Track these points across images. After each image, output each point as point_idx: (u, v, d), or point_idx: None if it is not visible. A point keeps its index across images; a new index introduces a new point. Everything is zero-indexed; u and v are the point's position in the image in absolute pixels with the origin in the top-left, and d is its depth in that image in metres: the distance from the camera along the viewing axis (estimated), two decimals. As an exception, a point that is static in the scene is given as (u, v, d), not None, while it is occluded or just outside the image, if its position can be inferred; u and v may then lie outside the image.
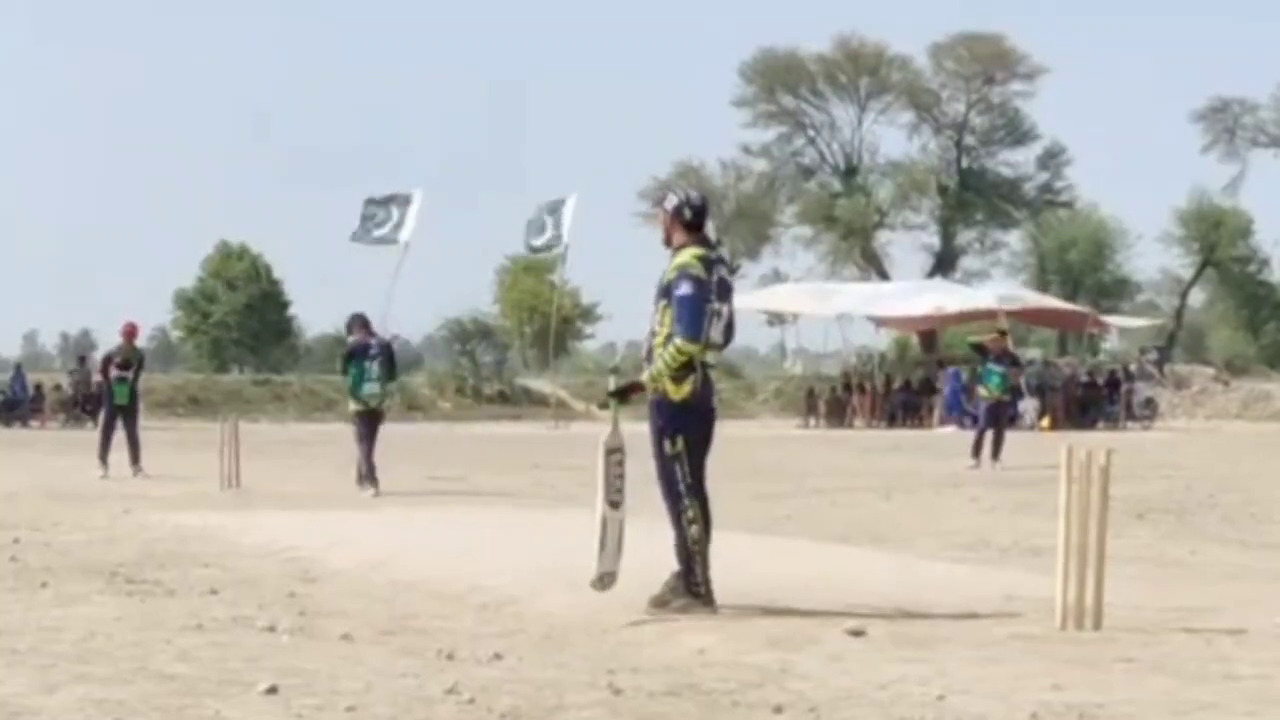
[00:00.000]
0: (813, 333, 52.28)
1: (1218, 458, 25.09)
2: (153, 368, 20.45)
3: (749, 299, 53.99)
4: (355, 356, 16.46)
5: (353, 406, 16.73)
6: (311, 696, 5.76)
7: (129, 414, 18.90)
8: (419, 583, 8.89)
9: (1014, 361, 23.64)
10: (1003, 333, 24.49)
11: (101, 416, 19.41)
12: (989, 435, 21.61)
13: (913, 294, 45.21)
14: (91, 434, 32.28)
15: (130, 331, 19.61)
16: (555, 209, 41.00)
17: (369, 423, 16.43)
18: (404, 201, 40.80)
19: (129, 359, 19.11)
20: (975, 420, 22.71)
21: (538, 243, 42.42)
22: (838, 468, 21.94)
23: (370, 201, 41.19)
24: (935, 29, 75.61)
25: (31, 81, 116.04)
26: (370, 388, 16.46)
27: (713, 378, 7.83)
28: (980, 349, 23.31)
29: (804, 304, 50.48)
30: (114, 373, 18.98)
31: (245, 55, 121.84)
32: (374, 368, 16.39)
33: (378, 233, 40.77)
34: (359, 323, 16.79)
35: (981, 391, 22.75)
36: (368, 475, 16.13)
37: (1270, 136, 62.63)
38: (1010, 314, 46.59)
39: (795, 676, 6.26)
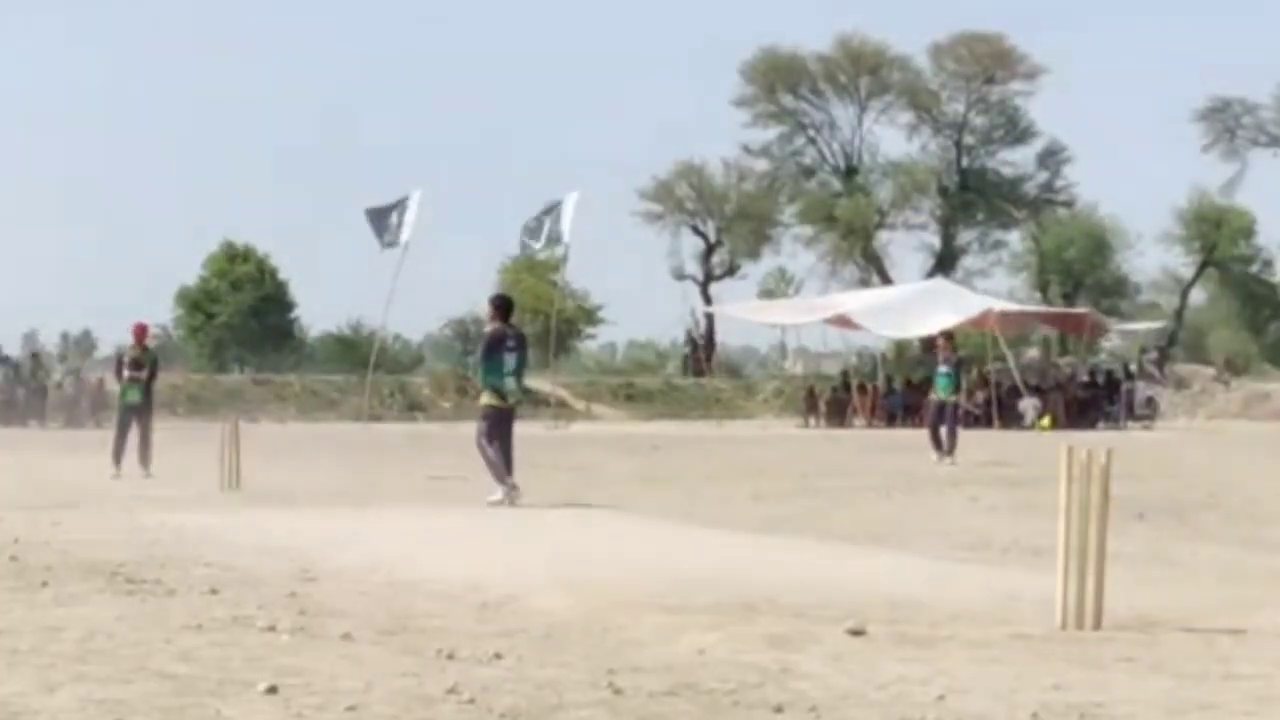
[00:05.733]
0: (813, 332, 52.27)
1: (1218, 458, 25.10)
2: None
3: (742, 311, 53.90)
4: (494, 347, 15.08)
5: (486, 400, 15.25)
6: (311, 696, 5.76)
7: (143, 414, 18.94)
8: (419, 583, 8.89)
9: (958, 364, 25.14)
10: (949, 337, 25.87)
11: (115, 417, 19.44)
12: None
13: (913, 303, 44.97)
14: (92, 434, 32.30)
15: (140, 332, 19.74)
16: (553, 210, 41.04)
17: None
18: (403, 205, 41.08)
19: (140, 360, 19.19)
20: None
21: (535, 244, 42.49)
22: (838, 467, 21.94)
23: (374, 211, 41.42)
24: (935, 29, 75.55)
25: (31, 80, 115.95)
26: (509, 381, 15.07)
27: None
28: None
29: (798, 318, 50.35)
30: (126, 373, 19.08)
31: (247, 53, 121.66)
32: (511, 360, 15.07)
33: (385, 236, 41.12)
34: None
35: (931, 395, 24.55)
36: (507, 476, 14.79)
37: (1270, 136, 62.54)
38: (1008, 314, 46.67)
39: (795, 676, 6.27)
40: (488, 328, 15.66)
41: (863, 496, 16.54)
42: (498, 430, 14.89)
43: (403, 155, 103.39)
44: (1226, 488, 17.75)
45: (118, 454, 18.56)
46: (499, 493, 14.59)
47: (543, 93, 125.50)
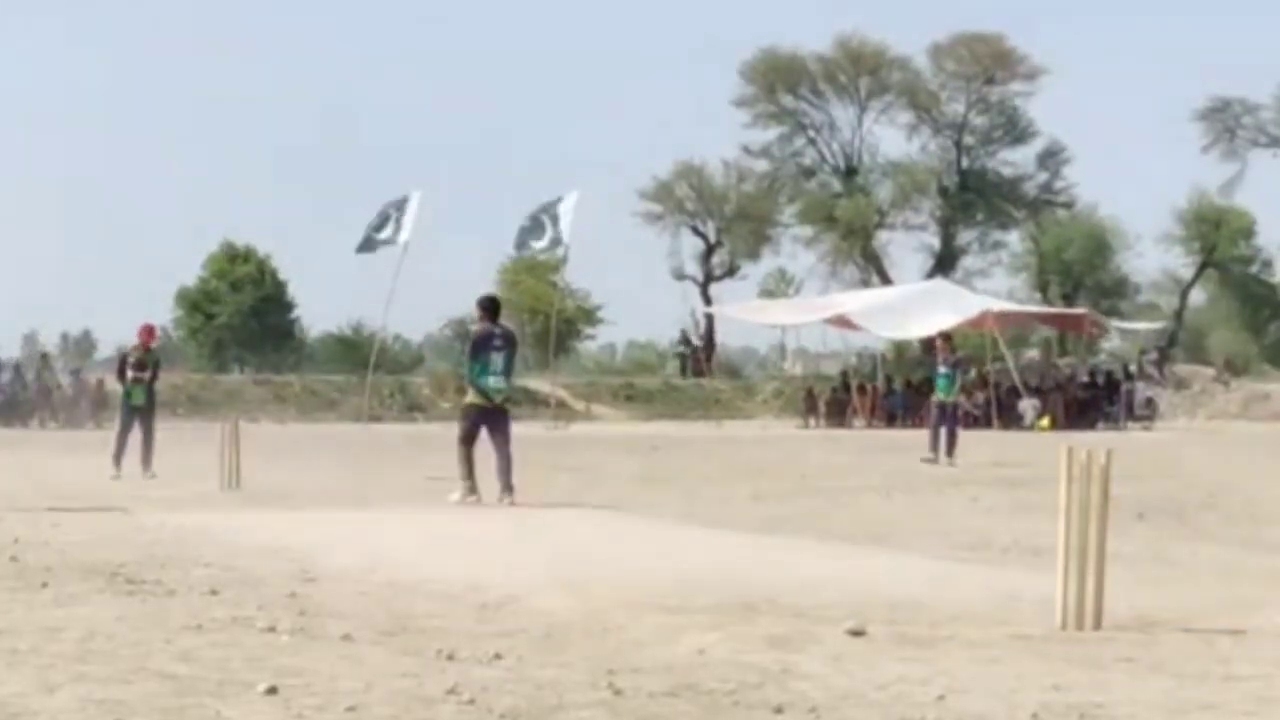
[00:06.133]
0: (812, 333, 52.26)
1: (1218, 458, 25.11)
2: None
3: (741, 311, 53.88)
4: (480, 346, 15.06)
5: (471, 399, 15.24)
6: (311, 696, 5.76)
7: (145, 415, 19.04)
8: (419, 583, 8.89)
9: (956, 365, 24.84)
10: (947, 338, 25.76)
11: (118, 418, 19.56)
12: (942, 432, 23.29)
13: (912, 303, 44.94)
14: (91, 435, 32.28)
15: (147, 334, 19.95)
16: (552, 210, 40.99)
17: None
18: (401, 205, 41.07)
19: (143, 361, 19.35)
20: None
21: (537, 245, 42.44)
22: (838, 467, 21.95)
23: (378, 214, 41.49)
24: (935, 29, 75.53)
25: (31, 80, 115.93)
26: (494, 381, 15.09)
27: None
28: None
29: (797, 318, 50.32)
30: (130, 374, 19.23)
31: (247, 53, 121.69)
32: (499, 359, 15.06)
33: (380, 235, 41.09)
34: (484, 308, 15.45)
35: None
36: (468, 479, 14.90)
37: (1270, 136, 62.51)
38: (1006, 315, 46.66)
39: (795, 676, 6.27)
40: (474, 327, 15.72)
41: (863, 497, 16.55)
42: (488, 430, 14.95)
43: (403, 155, 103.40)
44: (1226, 488, 17.76)
45: (119, 455, 18.62)
46: (457, 493, 14.74)
47: (543, 93, 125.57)
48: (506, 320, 16.32)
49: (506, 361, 15.17)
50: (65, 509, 13.59)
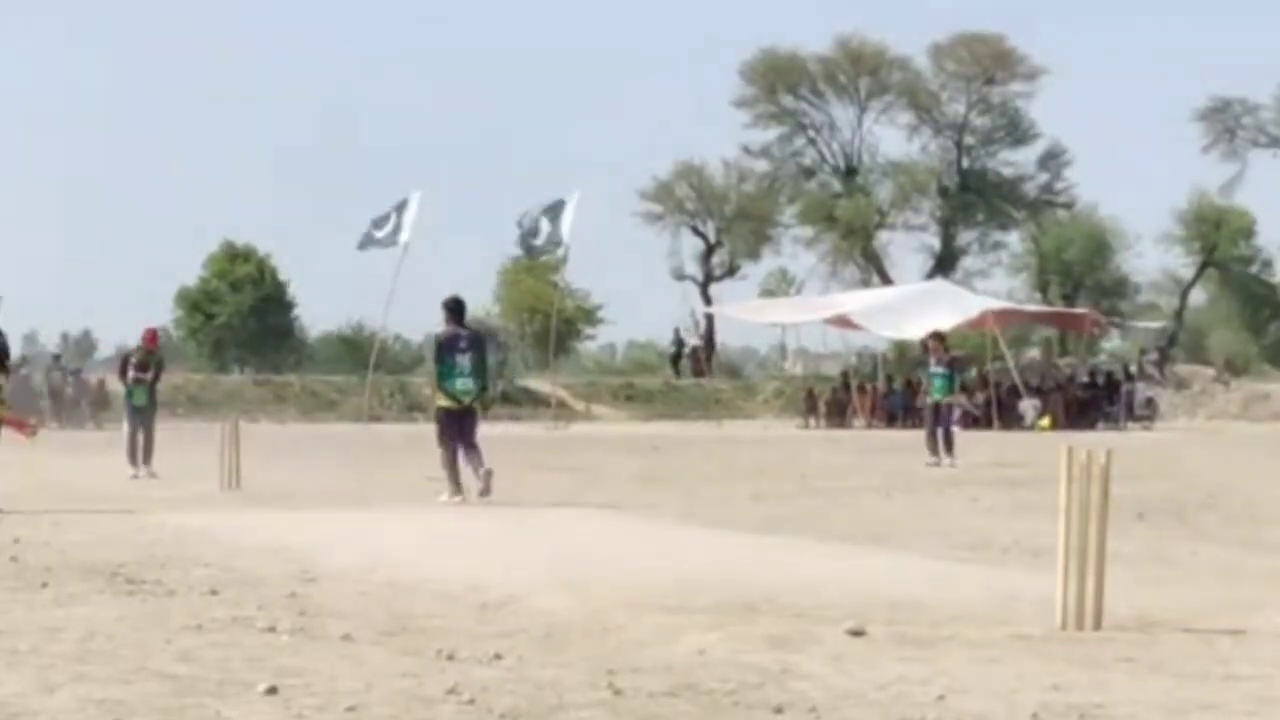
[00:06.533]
0: (813, 333, 52.19)
1: (1218, 458, 25.10)
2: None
3: (741, 311, 53.88)
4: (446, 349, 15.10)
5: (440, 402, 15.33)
6: (311, 696, 5.76)
7: (146, 415, 19.30)
8: (419, 583, 8.90)
9: (952, 364, 24.60)
10: (940, 338, 25.64)
11: (125, 419, 19.77)
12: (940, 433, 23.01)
13: (912, 303, 44.88)
14: (92, 435, 32.30)
15: (151, 338, 20.35)
16: (553, 210, 40.98)
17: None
18: (402, 206, 41.09)
19: (145, 362, 19.59)
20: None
21: (535, 244, 42.44)
22: (838, 467, 21.94)
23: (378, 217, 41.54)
24: (935, 29, 75.47)
25: (31, 80, 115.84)
26: (461, 383, 15.16)
27: None
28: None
29: (797, 317, 50.31)
30: (131, 374, 19.51)
31: (247, 53, 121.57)
32: (465, 361, 15.10)
33: (379, 234, 41.08)
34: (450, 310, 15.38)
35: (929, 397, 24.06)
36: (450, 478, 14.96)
37: (1270, 136, 62.47)
38: (1006, 314, 46.64)
39: (795, 676, 6.27)
40: (438, 330, 15.68)
41: (863, 497, 16.54)
42: (455, 431, 15.00)
43: (403, 155, 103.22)
44: (1226, 488, 17.75)
45: (132, 454, 18.92)
46: (444, 494, 14.80)
47: (543, 93, 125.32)
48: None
49: (474, 363, 15.17)
50: (65, 509, 13.59)
